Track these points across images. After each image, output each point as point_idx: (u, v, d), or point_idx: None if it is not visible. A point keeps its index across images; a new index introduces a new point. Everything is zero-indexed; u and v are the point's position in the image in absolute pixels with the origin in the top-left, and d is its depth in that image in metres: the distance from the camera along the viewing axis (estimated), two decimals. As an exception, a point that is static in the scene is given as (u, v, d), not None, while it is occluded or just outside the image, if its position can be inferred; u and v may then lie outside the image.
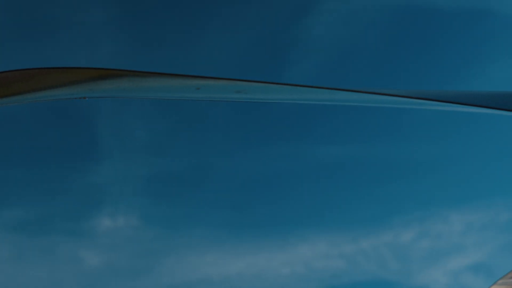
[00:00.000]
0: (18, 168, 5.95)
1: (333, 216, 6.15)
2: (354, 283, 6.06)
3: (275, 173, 6.23)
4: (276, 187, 6.27)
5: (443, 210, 6.08)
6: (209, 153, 6.14)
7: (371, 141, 6.10)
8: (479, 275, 5.92)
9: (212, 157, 6.17)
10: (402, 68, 6.09)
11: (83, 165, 6.01)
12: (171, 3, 5.76)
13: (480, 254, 6.03)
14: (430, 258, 6.08)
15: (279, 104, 6.45)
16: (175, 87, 1.43)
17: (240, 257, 6.22)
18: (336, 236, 6.20)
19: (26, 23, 5.56)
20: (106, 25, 5.63)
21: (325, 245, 6.20)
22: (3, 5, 5.52)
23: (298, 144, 6.17)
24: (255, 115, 6.24)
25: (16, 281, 5.97)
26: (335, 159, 6.17)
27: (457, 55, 6.06)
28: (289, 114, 6.19)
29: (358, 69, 6.09)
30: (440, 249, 6.10)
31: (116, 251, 6.15)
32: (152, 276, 6.12)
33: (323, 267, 6.15)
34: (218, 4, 5.84)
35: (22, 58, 5.36)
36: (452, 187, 6.06)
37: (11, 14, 5.54)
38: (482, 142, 6.00)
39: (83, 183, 6.02)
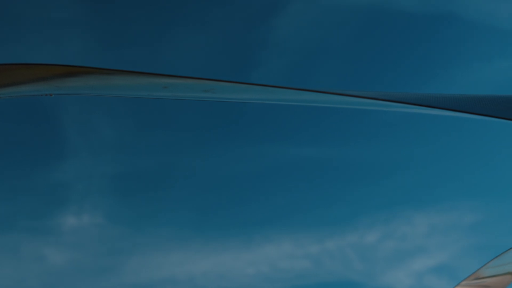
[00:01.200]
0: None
1: (299, 216, 6.17)
2: (319, 284, 6.08)
3: (242, 173, 6.23)
4: (242, 187, 6.27)
5: (408, 211, 6.13)
6: (176, 152, 6.13)
7: (337, 143, 6.13)
8: (443, 276, 5.98)
9: (179, 156, 6.16)
10: (368, 70, 6.13)
11: (49, 163, 5.96)
12: (139, 1, 5.74)
13: (443, 255, 6.08)
14: (395, 259, 6.13)
15: (247, 105, 6.45)
16: (143, 85, 1.43)
17: (205, 256, 6.21)
18: (301, 237, 6.22)
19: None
20: (73, 23, 5.59)
21: (291, 245, 6.22)
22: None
23: (265, 145, 6.17)
24: (222, 115, 6.24)
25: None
26: (301, 160, 6.19)
27: (422, 58, 6.11)
28: (256, 115, 6.20)
29: (326, 70, 6.12)
30: (404, 250, 6.15)
31: (81, 249, 6.11)
32: (117, 275, 6.09)
33: (288, 267, 6.16)
34: (187, 3, 5.83)
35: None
36: (416, 189, 6.11)
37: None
38: (446, 145, 6.06)
39: (48, 181, 5.97)
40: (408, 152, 6.10)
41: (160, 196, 6.17)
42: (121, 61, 5.64)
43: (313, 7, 6.04)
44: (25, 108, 5.82)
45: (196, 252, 6.22)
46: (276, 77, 5.86)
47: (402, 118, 5.94)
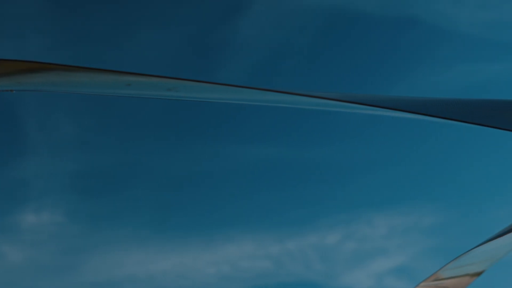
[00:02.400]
0: None
1: (260, 216, 6.18)
2: (279, 284, 6.09)
3: (203, 172, 6.22)
4: (204, 186, 6.26)
5: (368, 213, 6.17)
6: (137, 151, 6.10)
7: (299, 143, 6.15)
8: (402, 278, 6.03)
9: (140, 154, 6.13)
10: (331, 71, 6.16)
11: (8, 160, 5.89)
12: (103, -2, 5.70)
13: (403, 257, 6.13)
14: (355, 260, 6.16)
15: (210, 104, 6.43)
16: (105, 82, 1.42)
17: (165, 255, 6.19)
18: (262, 237, 6.22)
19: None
20: (34, 18, 5.53)
21: (251, 245, 6.22)
22: None
23: (227, 143, 6.17)
24: (185, 114, 6.22)
25: None
26: (263, 159, 6.20)
27: (384, 61, 6.15)
28: (219, 114, 6.19)
29: (289, 71, 6.13)
30: (364, 252, 6.19)
31: (40, 247, 6.05)
32: (76, 274, 6.04)
33: (249, 268, 6.17)
34: (151, 1, 5.80)
35: None
36: (377, 190, 6.15)
37: None
38: (406, 146, 6.11)
39: (7, 178, 5.90)
40: (369, 154, 6.14)
41: (121, 194, 6.14)
42: (84, 58, 5.60)
43: (277, 8, 6.05)
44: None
45: (156, 251, 6.19)
46: (239, 77, 5.86)
47: (364, 120, 5.98)
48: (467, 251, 2.18)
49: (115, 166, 6.10)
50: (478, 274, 2.32)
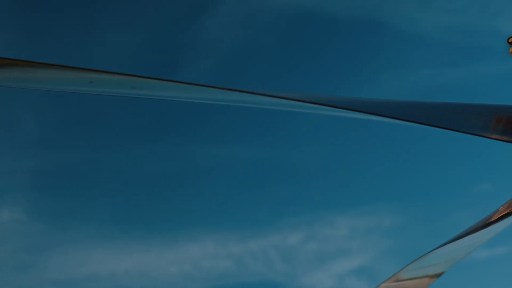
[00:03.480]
0: None
1: (223, 216, 6.17)
2: (241, 284, 6.10)
3: (167, 172, 6.20)
4: (167, 186, 6.25)
5: (330, 214, 6.20)
6: (101, 148, 6.06)
7: (263, 144, 6.16)
8: (363, 278, 6.06)
9: (104, 152, 6.09)
10: (296, 72, 6.18)
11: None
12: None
13: (364, 258, 6.17)
14: (316, 261, 6.19)
15: (175, 103, 6.41)
16: (69, 79, 1.41)
17: (128, 254, 6.16)
18: (225, 237, 6.22)
19: None
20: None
21: (214, 245, 6.22)
22: None
23: (191, 143, 6.16)
24: (151, 113, 6.20)
25: None
26: (227, 160, 6.20)
27: (349, 62, 6.19)
28: (184, 114, 6.18)
29: (254, 72, 6.14)
30: (326, 252, 6.22)
31: (0, 245, 5.99)
32: (37, 272, 5.99)
33: (211, 267, 6.16)
34: (116, 0, 5.77)
35: None
36: (339, 192, 6.19)
37: None
38: (369, 149, 6.15)
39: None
40: (332, 155, 6.17)
41: (84, 192, 6.10)
42: (48, 54, 5.55)
43: (243, 9, 6.05)
44: None
45: (119, 249, 6.16)
46: (204, 76, 5.86)
47: (328, 122, 6.01)
48: (427, 253, 2.20)
49: (78, 164, 6.06)
50: (438, 275, 2.35)
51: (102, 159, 6.12)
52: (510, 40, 1.71)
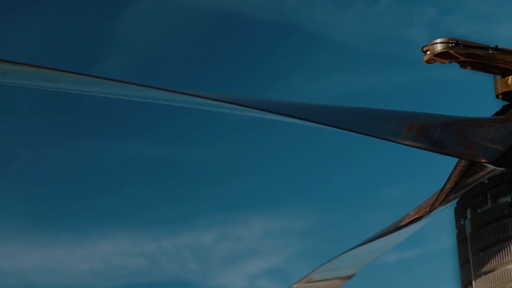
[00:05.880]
0: None
1: (136, 214, 6.13)
2: (153, 282, 6.06)
3: (78, 167, 6.12)
4: (79, 181, 6.16)
5: (244, 214, 6.22)
6: (8, 141, 5.93)
7: (177, 142, 6.14)
8: (275, 279, 6.11)
9: (12, 146, 5.97)
10: (212, 71, 6.18)
11: None
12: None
13: (276, 259, 6.22)
14: (229, 260, 6.20)
15: (89, 97, 6.33)
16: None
17: (36, 250, 6.05)
18: (137, 234, 6.17)
19: None
20: None
21: (126, 242, 6.16)
22: None
23: (104, 139, 6.09)
24: (60, 107, 6.11)
25: None
26: (141, 156, 6.16)
27: (263, 64, 6.23)
28: (98, 109, 6.11)
29: (171, 69, 6.11)
30: (239, 253, 6.24)
31: None
32: None
33: (123, 265, 6.10)
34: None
35: None
36: (253, 192, 6.22)
37: None
38: (284, 150, 6.20)
39: None
40: (247, 156, 6.19)
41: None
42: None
43: (162, 6, 6.02)
44: None
45: (27, 245, 6.05)
46: (120, 72, 5.80)
47: (243, 122, 6.03)
48: (339, 255, 2.23)
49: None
50: (349, 277, 2.38)
51: (11, 153, 5.99)
52: (424, 49, 1.74)
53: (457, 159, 1.77)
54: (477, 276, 1.66)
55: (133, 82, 1.42)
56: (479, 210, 1.69)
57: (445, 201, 1.81)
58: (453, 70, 1.79)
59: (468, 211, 1.71)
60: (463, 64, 1.77)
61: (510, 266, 1.58)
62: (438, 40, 1.73)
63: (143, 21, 5.91)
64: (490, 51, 1.74)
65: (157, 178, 6.20)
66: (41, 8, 5.75)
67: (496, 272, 1.61)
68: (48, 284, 5.87)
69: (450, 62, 1.76)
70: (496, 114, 1.82)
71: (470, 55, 1.74)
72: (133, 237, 6.14)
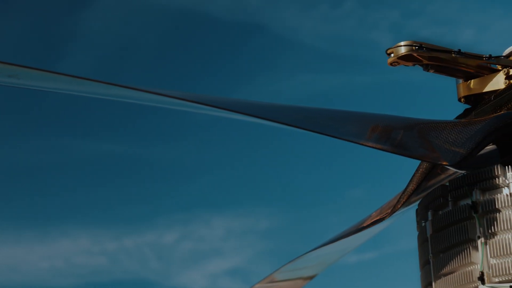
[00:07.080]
0: None
1: (97, 213, 6.09)
2: (113, 281, 6.02)
3: (39, 165, 6.07)
4: (39, 179, 6.11)
5: (206, 213, 6.21)
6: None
7: (138, 140, 6.11)
8: (237, 279, 6.11)
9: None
10: (176, 71, 6.16)
11: None
12: None
13: (238, 259, 6.22)
14: (191, 260, 6.19)
15: (56, 95, 6.28)
16: None
17: (-4, 248, 5.99)
18: (98, 233, 6.13)
19: None
20: None
21: (87, 241, 6.12)
22: None
23: (65, 137, 6.05)
24: (23, 103, 6.05)
25: None
26: (102, 154, 6.12)
27: (228, 64, 6.23)
28: (58, 106, 6.06)
29: (134, 67, 6.09)
30: (201, 252, 6.23)
31: None
32: None
33: (84, 263, 6.06)
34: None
35: None
36: (216, 192, 6.21)
37: None
38: (247, 150, 6.21)
39: None
40: (210, 155, 6.19)
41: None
42: None
43: (125, 4, 5.99)
44: None
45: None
46: (83, 69, 5.76)
47: (207, 121, 6.02)
48: (301, 255, 2.23)
49: None
50: (311, 277, 2.39)
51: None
52: (388, 51, 1.75)
53: (419, 161, 1.78)
54: (437, 277, 1.67)
55: (96, 80, 1.41)
56: (440, 212, 1.71)
57: (407, 203, 1.82)
58: (417, 73, 1.80)
59: (429, 213, 1.73)
60: (426, 67, 1.78)
61: (469, 268, 1.59)
62: (402, 43, 1.74)
63: (106, 18, 5.87)
64: (453, 54, 1.76)
65: (119, 176, 6.17)
66: (3, 4, 5.69)
67: (456, 273, 1.62)
68: (8, 282, 5.81)
69: (414, 65, 1.77)
70: (458, 117, 1.84)
71: (434, 58, 1.76)
72: (94, 236, 6.10)
